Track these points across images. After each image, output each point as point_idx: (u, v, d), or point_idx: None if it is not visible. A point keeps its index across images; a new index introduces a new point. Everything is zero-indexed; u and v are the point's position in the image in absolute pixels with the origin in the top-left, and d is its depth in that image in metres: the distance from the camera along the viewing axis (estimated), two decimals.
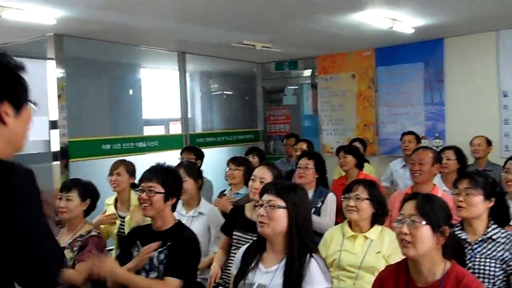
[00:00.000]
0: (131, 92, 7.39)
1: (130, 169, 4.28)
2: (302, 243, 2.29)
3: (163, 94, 7.97)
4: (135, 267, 2.65)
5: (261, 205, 2.33)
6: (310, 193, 4.03)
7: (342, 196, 3.11)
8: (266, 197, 2.35)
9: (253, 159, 5.36)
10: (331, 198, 4.08)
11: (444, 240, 2.09)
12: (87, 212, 3.35)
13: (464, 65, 6.44)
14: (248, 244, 2.58)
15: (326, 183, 4.57)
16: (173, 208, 2.86)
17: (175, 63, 6.94)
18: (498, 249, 2.63)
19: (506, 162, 3.77)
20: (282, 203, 2.30)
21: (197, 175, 3.88)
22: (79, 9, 4.41)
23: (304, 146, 5.74)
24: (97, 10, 4.43)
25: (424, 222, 2.07)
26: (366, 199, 2.97)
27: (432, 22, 5.50)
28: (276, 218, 2.28)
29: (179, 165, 3.95)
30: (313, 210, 3.88)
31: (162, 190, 2.71)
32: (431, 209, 2.10)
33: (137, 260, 2.65)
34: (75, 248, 3.12)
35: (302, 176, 4.10)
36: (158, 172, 2.77)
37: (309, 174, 4.11)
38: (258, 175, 3.39)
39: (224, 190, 4.73)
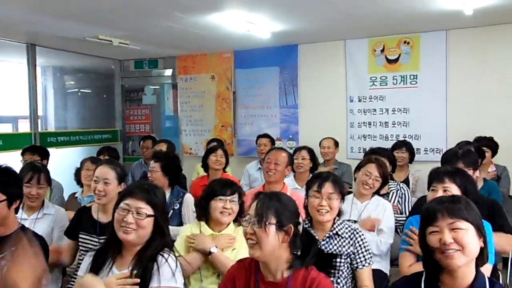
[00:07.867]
0: None
1: None
2: (159, 244, 2.22)
3: (10, 89, 7.33)
4: None
5: (127, 210, 2.19)
6: (167, 195, 3.89)
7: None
8: (133, 202, 2.20)
9: None
10: (189, 199, 3.92)
11: (288, 238, 2.09)
12: None
13: (316, 70, 6.81)
14: (98, 247, 2.44)
15: (184, 183, 4.48)
16: (17, 211, 2.65)
17: (23, 55, 6.45)
18: (344, 244, 2.80)
19: (365, 164, 3.81)
20: (151, 212, 2.20)
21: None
22: None
23: (164, 147, 5.60)
24: None
25: (268, 222, 2.06)
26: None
27: (287, 28, 5.75)
28: (144, 226, 2.18)
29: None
30: (171, 212, 3.77)
31: (4, 197, 2.49)
32: (274, 209, 2.10)
33: None
34: None
35: (152, 180, 3.90)
36: None
37: (156, 178, 3.91)
38: (100, 176, 3.11)
39: (75, 193, 4.47)
